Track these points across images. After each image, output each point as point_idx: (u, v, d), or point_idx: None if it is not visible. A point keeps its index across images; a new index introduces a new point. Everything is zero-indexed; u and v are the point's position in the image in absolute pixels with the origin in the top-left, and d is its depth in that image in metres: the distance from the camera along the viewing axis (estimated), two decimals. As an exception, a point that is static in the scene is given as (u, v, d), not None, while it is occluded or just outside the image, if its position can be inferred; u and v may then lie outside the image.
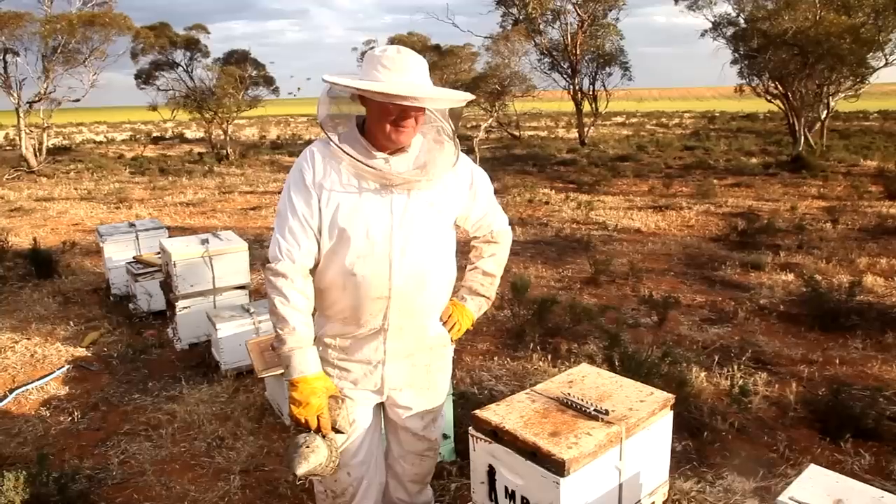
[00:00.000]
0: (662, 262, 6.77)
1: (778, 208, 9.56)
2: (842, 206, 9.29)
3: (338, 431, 1.81)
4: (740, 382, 3.62)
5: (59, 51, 17.22)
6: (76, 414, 3.68)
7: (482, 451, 1.92)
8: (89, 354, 4.56)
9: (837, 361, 4.11)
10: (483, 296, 2.14)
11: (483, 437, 1.90)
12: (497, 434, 1.86)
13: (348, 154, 1.78)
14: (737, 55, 17.62)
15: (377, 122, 1.78)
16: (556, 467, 1.68)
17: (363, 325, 1.87)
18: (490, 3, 21.54)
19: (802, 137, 16.29)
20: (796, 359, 4.19)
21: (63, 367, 4.34)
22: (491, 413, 1.92)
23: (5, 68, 17.22)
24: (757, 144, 19.53)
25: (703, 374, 3.83)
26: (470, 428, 1.95)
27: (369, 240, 1.79)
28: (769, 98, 17.99)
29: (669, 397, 2.01)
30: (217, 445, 3.30)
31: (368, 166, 1.78)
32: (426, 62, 1.83)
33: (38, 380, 4.15)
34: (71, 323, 5.17)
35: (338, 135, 1.84)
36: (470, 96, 1.87)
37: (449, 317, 2.03)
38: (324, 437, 1.78)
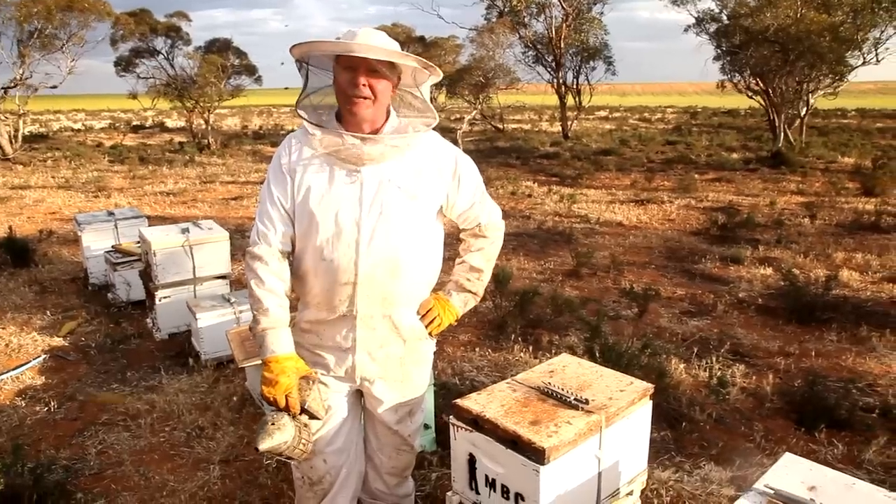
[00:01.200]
0: (643, 256, 6.82)
1: (757, 203, 9.67)
2: (819, 202, 9.42)
3: (309, 414, 1.79)
4: (718, 374, 3.67)
5: (35, 36, 16.90)
6: (53, 404, 3.63)
7: (462, 440, 1.92)
8: (66, 344, 4.50)
9: (813, 354, 4.17)
10: (469, 291, 2.09)
11: (464, 425, 1.91)
12: (478, 423, 1.86)
13: (314, 127, 1.80)
14: (719, 51, 17.77)
15: (340, 99, 1.80)
16: (537, 455, 1.69)
17: (333, 311, 1.86)
18: (475, -6, 21.49)
19: (782, 134, 16.48)
20: (773, 351, 4.25)
21: (39, 356, 4.28)
22: (472, 402, 1.93)
23: (-20, 53, 16.90)
24: (738, 140, 19.73)
25: (682, 366, 3.87)
26: (450, 417, 1.95)
27: (337, 224, 1.79)
28: (750, 94, 18.18)
29: (649, 387, 2.03)
30: (197, 435, 3.28)
31: (329, 140, 1.78)
32: (394, 41, 1.78)
33: (14, 369, 4.08)
34: (48, 312, 5.10)
35: (317, 120, 1.84)
36: (430, 66, 1.80)
37: (428, 311, 1.99)
38: (293, 417, 1.77)
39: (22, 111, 18.27)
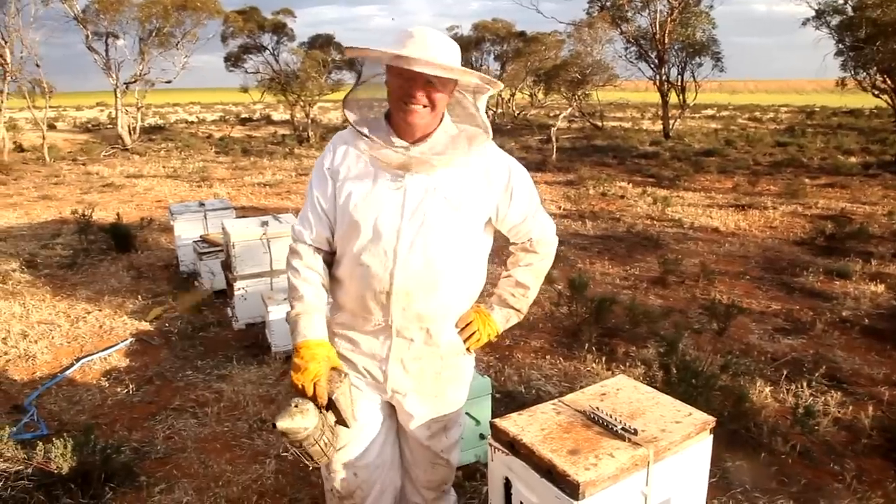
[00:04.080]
0: (738, 265, 6.39)
1: (874, 212, 8.86)
2: (949, 213, 8.52)
3: (336, 413, 1.70)
4: (808, 401, 3.34)
5: (154, 34, 18.04)
6: (132, 387, 3.81)
7: (499, 462, 1.81)
8: (152, 329, 4.73)
9: (925, 385, 3.74)
10: (513, 308, 1.99)
11: (501, 447, 1.79)
12: (514, 446, 1.75)
13: (359, 131, 1.75)
14: (841, 46, 16.45)
15: (391, 103, 1.73)
16: (571, 489, 1.56)
17: (368, 320, 1.81)
18: (576, -11, 20.97)
19: (910, 136, 15.06)
20: (877, 379, 3.84)
21: (127, 339, 4.52)
22: (510, 423, 1.81)
23: (106, 51, 18.24)
24: (858, 142, 18.22)
25: (767, 389, 3.57)
26: (489, 436, 1.84)
27: (376, 230, 1.72)
28: (876, 93, 16.72)
29: (709, 420, 1.83)
30: (258, 427, 3.34)
31: (376, 145, 1.73)
32: (456, 46, 1.70)
33: (103, 350, 4.33)
34: (140, 297, 5.38)
35: (364, 120, 1.79)
36: (492, 81, 1.75)
37: (468, 324, 1.89)
38: (319, 409, 1.68)
39: (140, 105, 19.57)
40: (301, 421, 1.64)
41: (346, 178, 1.77)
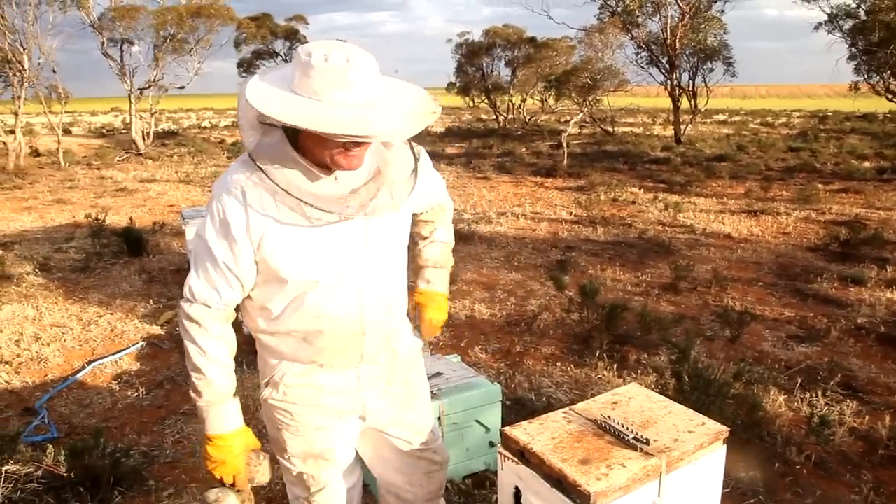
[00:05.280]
0: (751, 271, 6.33)
1: (889, 217, 8.76)
2: (966, 219, 8.41)
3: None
4: (823, 410, 3.30)
5: (168, 40, 18.20)
6: (142, 390, 3.82)
7: (509, 471, 1.79)
8: (163, 333, 4.74)
9: (943, 394, 3.68)
10: (445, 267, 2.00)
11: (510, 456, 1.77)
12: (524, 455, 1.73)
13: (296, 198, 1.46)
14: (854, 50, 16.34)
15: (318, 148, 1.46)
16: (581, 499, 1.53)
17: (338, 362, 1.69)
18: (587, -6, 20.98)
19: (926, 141, 14.91)
20: (894, 388, 3.78)
21: (138, 343, 4.53)
22: (521, 431, 1.79)
23: (121, 57, 18.43)
24: (872, 147, 18.05)
25: (781, 398, 3.52)
26: (499, 445, 1.82)
27: (337, 277, 1.58)
28: (889, 97, 16.61)
29: (722, 430, 1.80)
30: (266, 433, 3.32)
31: (319, 203, 1.48)
32: (373, 59, 1.43)
33: (114, 354, 4.34)
34: (151, 301, 5.41)
35: (263, 148, 1.52)
36: (436, 109, 1.51)
37: (420, 315, 1.89)
38: (238, 491, 1.68)
39: (154, 110, 19.73)
40: None
41: (275, 238, 1.51)
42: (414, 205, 1.78)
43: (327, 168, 1.51)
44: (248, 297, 1.63)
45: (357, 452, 1.92)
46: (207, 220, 1.54)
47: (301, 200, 1.47)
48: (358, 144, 1.45)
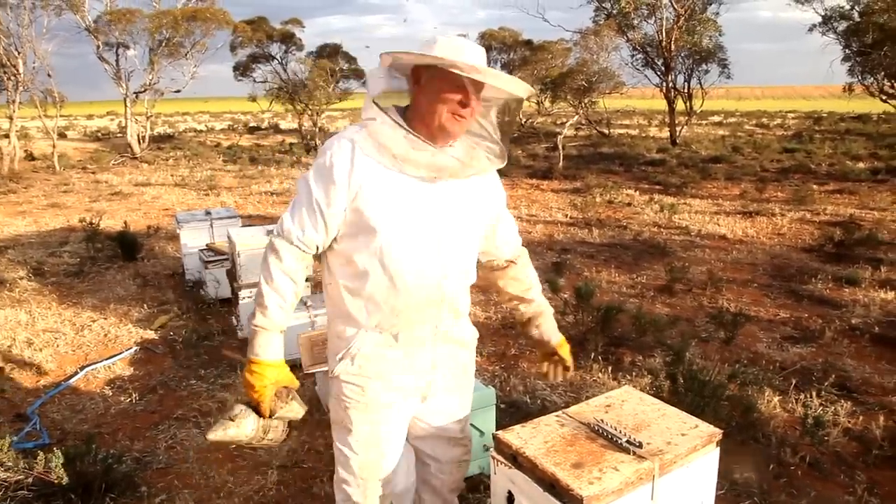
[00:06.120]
0: (746, 272, 6.34)
1: (884, 218, 8.78)
2: (960, 219, 8.43)
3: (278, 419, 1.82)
4: (818, 412, 3.29)
5: (164, 44, 18.17)
6: (135, 396, 3.80)
7: (502, 475, 1.78)
8: (157, 337, 4.72)
9: (938, 395, 3.68)
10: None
11: (503, 460, 1.76)
12: (517, 459, 1.72)
13: (403, 128, 1.65)
14: (848, 51, 16.40)
15: (433, 108, 1.64)
16: (574, 503, 1.53)
17: (412, 333, 1.78)
18: (582, -3, 21.02)
19: (920, 142, 14.95)
20: (888, 388, 3.79)
21: (132, 348, 4.51)
22: (513, 435, 1.78)
23: (117, 61, 18.39)
24: (866, 148, 18.09)
25: (776, 399, 3.52)
26: (492, 449, 1.81)
27: (419, 241, 1.70)
28: (884, 98, 16.67)
29: (716, 432, 1.80)
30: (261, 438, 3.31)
31: (412, 160, 1.66)
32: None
33: (108, 359, 4.32)
34: (145, 305, 5.38)
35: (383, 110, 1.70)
36: (531, 89, 1.73)
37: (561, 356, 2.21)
38: (260, 416, 1.76)
39: (150, 114, 19.69)
40: (234, 432, 1.72)
41: (368, 186, 1.65)
42: (484, 223, 1.90)
43: (432, 139, 1.68)
44: (335, 250, 1.75)
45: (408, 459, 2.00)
46: (315, 166, 1.71)
47: (396, 157, 1.65)
48: (466, 105, 1.63)
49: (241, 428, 1.72)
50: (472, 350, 1.99)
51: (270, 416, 1.76)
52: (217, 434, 1.70)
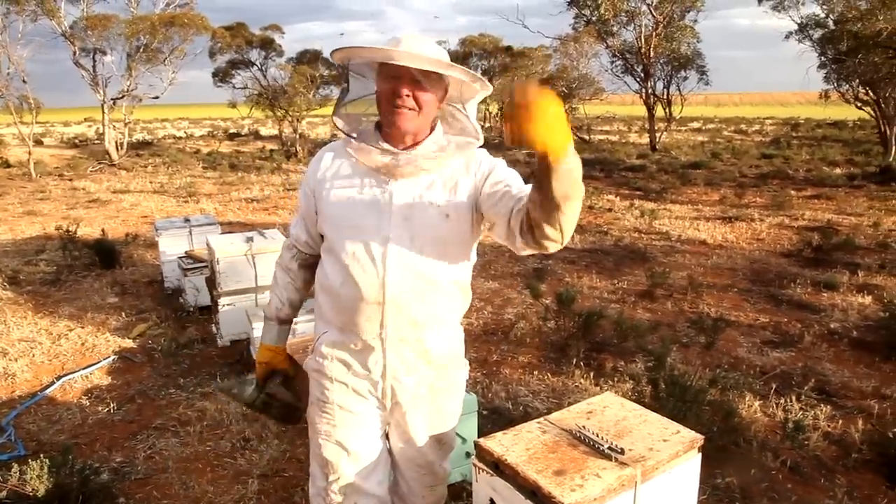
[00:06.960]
0: (726, 277, 6.39)
1: (860, 223, 8.92)
2: (933, 224, 8.59)
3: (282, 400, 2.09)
4: (798, 416, 3.32)
5: (141, 50, 18.01)
6: (113, 405, 3.74)
7: (483, 483, 1.77)
8: (135, 346, 4.65)
9: (914, 397, 3.73)
10: None
11: (485, 468, 1.75)
12: (499, 466, 1.71)
13: (347, 134, 1.76)
14: (823, 59, 16.68)
15: (380, 105, 1.71)
16: (557, 511, 1.52)
17: (360, 335, 1.74)
18: (561, 4, 21.20)
19: (894, 147, 15.25)
20: (867, 392, 3.83)
21: (109, 357, 4.44)
22: (495, 443, 1.77)
23: (94, 67, 18.18)
24: (843, 154, 18.41)
25: (757, 403, 3.55)
26: (473, 457, 1.80)
27: (364, 239, 1.69)
28: (859, 105, 16.97)
29: (697, 438, 1.80)
30: (241, 447, 3.27)
31: (363, 147, 1.73)
32: (443, 49, 1.67)
33: (85, 368, 4.25)
34: (123, 314, 5.30)
35: (353, 129, 1.80)
36: (479, 79, 1.67)
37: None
38: (260, 389, 2.04)
39: (128, 120, 19.48)
40: (237, 391, 2.05)
41: (332, 188, 1.76)
42: (470, 211, 1.72)
43: (394, 138, 1.71)
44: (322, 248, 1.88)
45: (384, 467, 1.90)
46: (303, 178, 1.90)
47: (356, 140, 1.74)
48: (399, 94, 1.62)
49: (242, 390, 2.04)
50: (449, 375, 1.84)
51: (264, 392, 2.01)
52: (224, 385, 2.02)
